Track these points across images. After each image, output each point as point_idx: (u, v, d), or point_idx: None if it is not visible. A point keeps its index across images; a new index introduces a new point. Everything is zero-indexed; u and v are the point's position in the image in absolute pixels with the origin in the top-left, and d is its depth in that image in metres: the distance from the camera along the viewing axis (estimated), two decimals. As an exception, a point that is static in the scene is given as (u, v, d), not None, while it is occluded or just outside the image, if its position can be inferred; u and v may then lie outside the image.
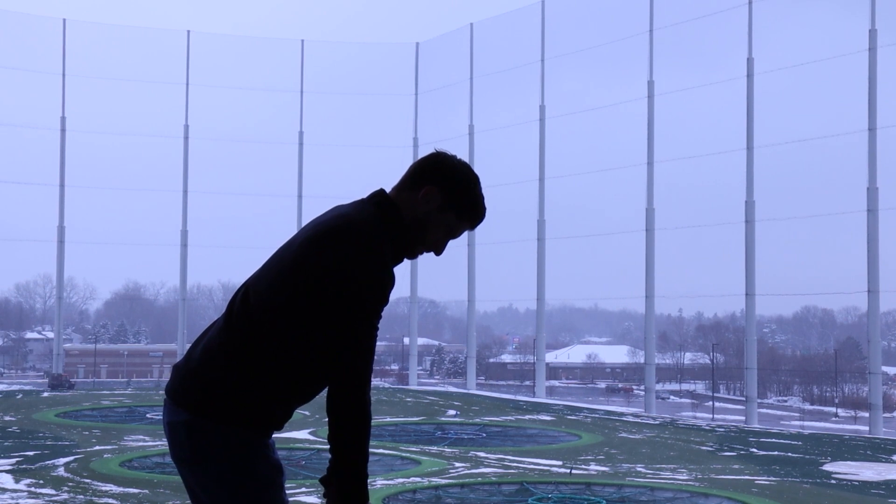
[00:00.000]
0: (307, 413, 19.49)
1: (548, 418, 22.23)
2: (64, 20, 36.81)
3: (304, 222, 2.96)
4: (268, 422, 2.77)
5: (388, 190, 2.89)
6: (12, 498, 10.09)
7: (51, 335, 52.47)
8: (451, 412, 22.96)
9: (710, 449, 16.98)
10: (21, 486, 10.90)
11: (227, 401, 2.71)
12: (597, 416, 23.50)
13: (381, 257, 2.68)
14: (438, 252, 2.92)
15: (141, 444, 15.35)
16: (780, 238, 33.49)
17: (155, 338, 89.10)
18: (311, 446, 15.19)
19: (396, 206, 2.81)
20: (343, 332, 2.63)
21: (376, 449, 15.42)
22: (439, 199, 2.81)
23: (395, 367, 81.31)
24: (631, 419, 23.39)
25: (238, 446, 2.71)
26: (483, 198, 2.90)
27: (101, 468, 12.37)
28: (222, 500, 2.73)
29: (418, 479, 12.13)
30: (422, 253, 2.93)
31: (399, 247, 2.82)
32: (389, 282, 2.69)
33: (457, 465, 13.58)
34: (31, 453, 13.87)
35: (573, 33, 36.01)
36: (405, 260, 2.91)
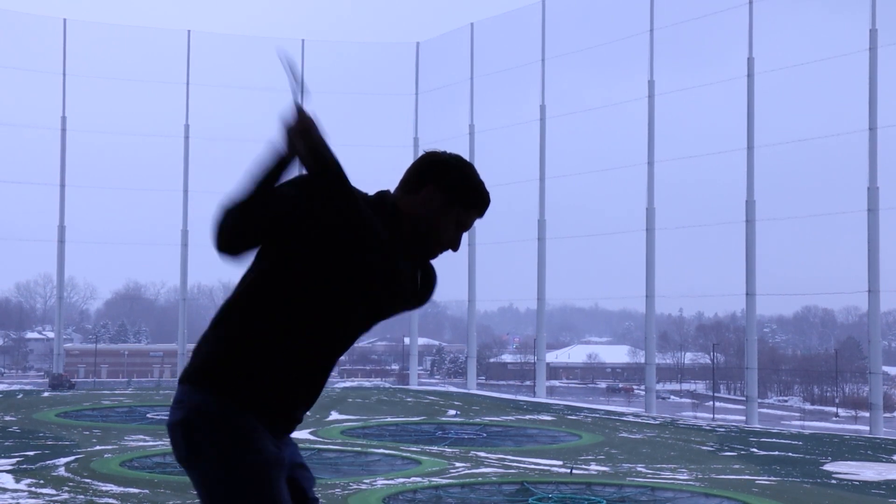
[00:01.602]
0: (307, 413, 19.46)
1: (548, 418, 22.23)
2: (64, 20, 36.82)
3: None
4: (255, 396, 2.70)
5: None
6: (13, 498, 10.09)
7: (51, 335, 52.47)
8: (452, 412, 22.96)
9: (711, 449, 16.98)
10: (21, 485, 10.90)
11: (213, 367, 2.69)
12: (597, 415, 23.50)
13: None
14: (455, 248, 2.93)
15: (141, 444, 15.35)
16: (780, 238, 33.53)
17: (155, 338, 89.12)
18: (312, 446, 15.19)
19: (396, 206, 2.83)
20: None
21: (376, 449, 15.44)
22: (441, 197, 2.83)
23: (395, 367, 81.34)
24: (631, 419, 23.39)
25: (229, 426, 2.67)
26: (483, 183, 2.92)
27: (102, 468, 12.37)
28: (202, 467, 2.68)
29: (419, 479, 12.13)
30: (441, 252, 2.92)
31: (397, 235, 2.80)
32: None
33: (457, 464, 13.58)
34: (31, 453, 13.86)
35: (573, 33, 36.02)
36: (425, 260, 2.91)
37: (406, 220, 2.82)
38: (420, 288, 2.88)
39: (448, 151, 2.95)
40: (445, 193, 2.84)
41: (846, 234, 32.16)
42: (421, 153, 2.97)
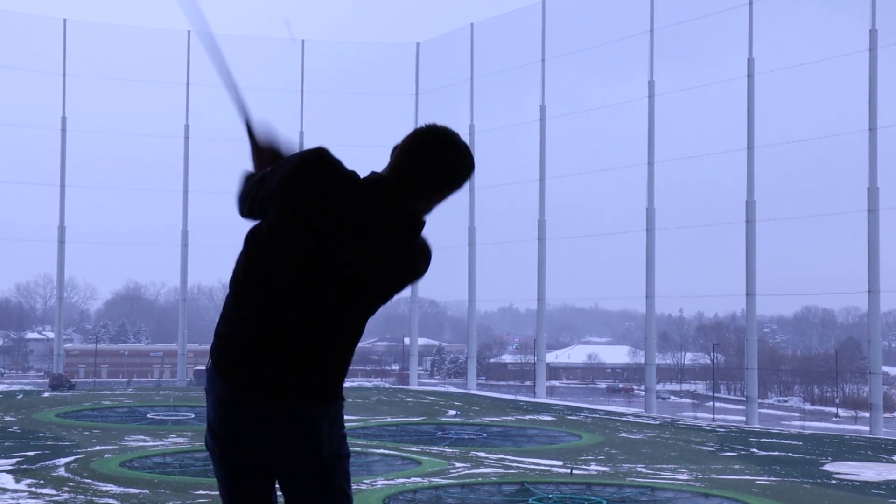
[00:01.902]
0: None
1: (548, 418, 22.22)
2: (64, 20, 36.81)
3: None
4: None
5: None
6: (13, 498, 10.10)
7: (51, 335, 52.49)
8: (452, 412, 22.96)
9: (711, 449, 16.98)
10: (21, 486, 10.90)
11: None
12: (597, 416, 23.50)
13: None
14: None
15: (141, 444, 15.35)
16: (780, 238, 33.50)
17: (155, 338, 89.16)
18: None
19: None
20: None
21: (376, 449, 15.44)
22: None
23: (395, 367, 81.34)
24: (631, 419, 23.39)
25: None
26: (457, 169, 3.14)
27: (102, 468, 12.37)
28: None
29: (419, 479, 12.13)
30: None
31: None
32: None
33: (457, 465, 13.58)
34: (31, 453, 13.86)
35: (573, 33, 35.99)
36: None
37: None
38: None
39: (441, 133, 3.14)
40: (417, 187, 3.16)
41: (846, 234, 32.15)
42: (419, 127, 3.22)
